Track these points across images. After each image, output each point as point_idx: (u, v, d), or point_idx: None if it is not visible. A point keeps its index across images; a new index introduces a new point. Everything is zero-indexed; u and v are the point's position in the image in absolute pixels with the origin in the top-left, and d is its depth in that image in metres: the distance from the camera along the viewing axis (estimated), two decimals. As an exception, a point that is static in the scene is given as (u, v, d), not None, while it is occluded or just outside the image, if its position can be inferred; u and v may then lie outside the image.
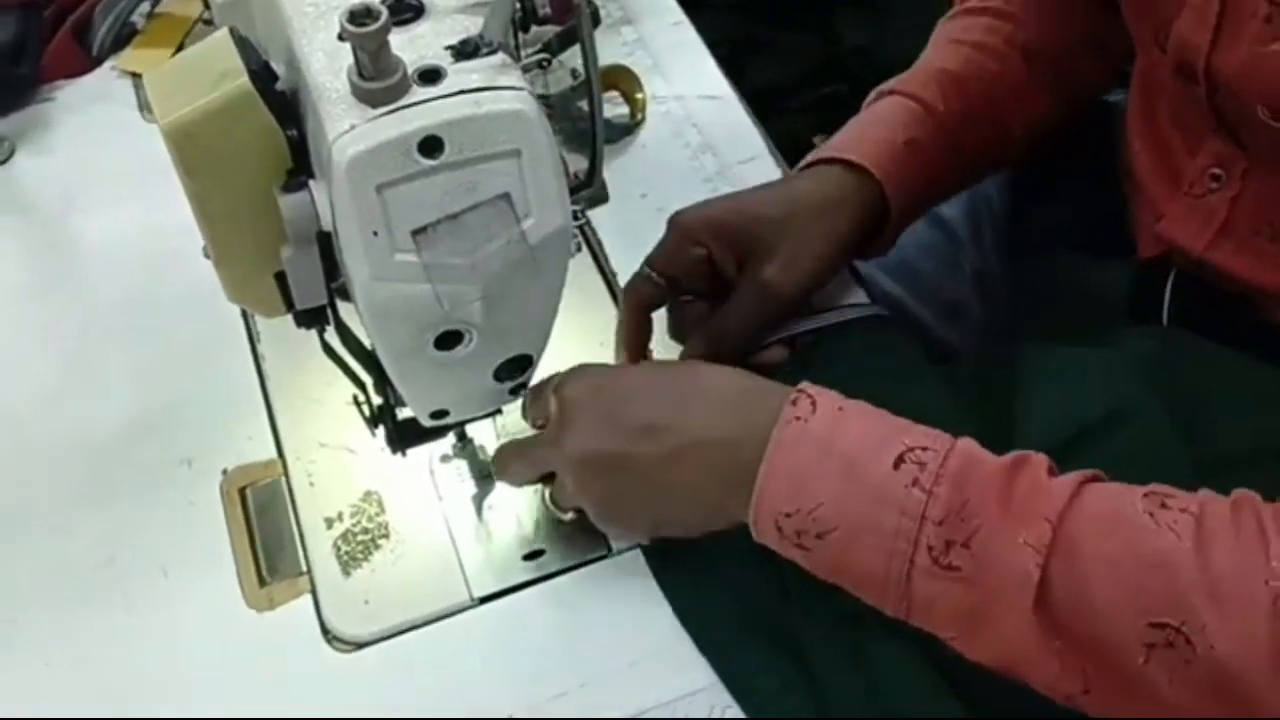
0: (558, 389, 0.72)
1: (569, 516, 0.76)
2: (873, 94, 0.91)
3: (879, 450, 0.63)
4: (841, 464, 0.64)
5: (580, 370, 0.73)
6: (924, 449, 0.63)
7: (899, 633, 0.66)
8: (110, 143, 1.04)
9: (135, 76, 1.08)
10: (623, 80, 1.03)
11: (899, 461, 0.63)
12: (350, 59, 0.57)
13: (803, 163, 0.87)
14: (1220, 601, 0.57)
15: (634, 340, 0.82)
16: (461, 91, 0.56)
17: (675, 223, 0.82)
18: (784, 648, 0.70)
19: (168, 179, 0.92)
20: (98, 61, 1.09)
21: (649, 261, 0.82)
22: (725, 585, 0.72)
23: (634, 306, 0.82)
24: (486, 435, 0.79)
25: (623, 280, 0.89)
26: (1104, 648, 0.59)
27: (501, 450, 0.77)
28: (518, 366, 0.69)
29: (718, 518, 0.69)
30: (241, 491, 0.80)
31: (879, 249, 0.87)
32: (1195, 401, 0.73)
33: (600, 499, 0.71)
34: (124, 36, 1.10)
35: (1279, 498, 0.67)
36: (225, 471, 0.81)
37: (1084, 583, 0.59)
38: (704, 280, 0.82)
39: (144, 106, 1.07)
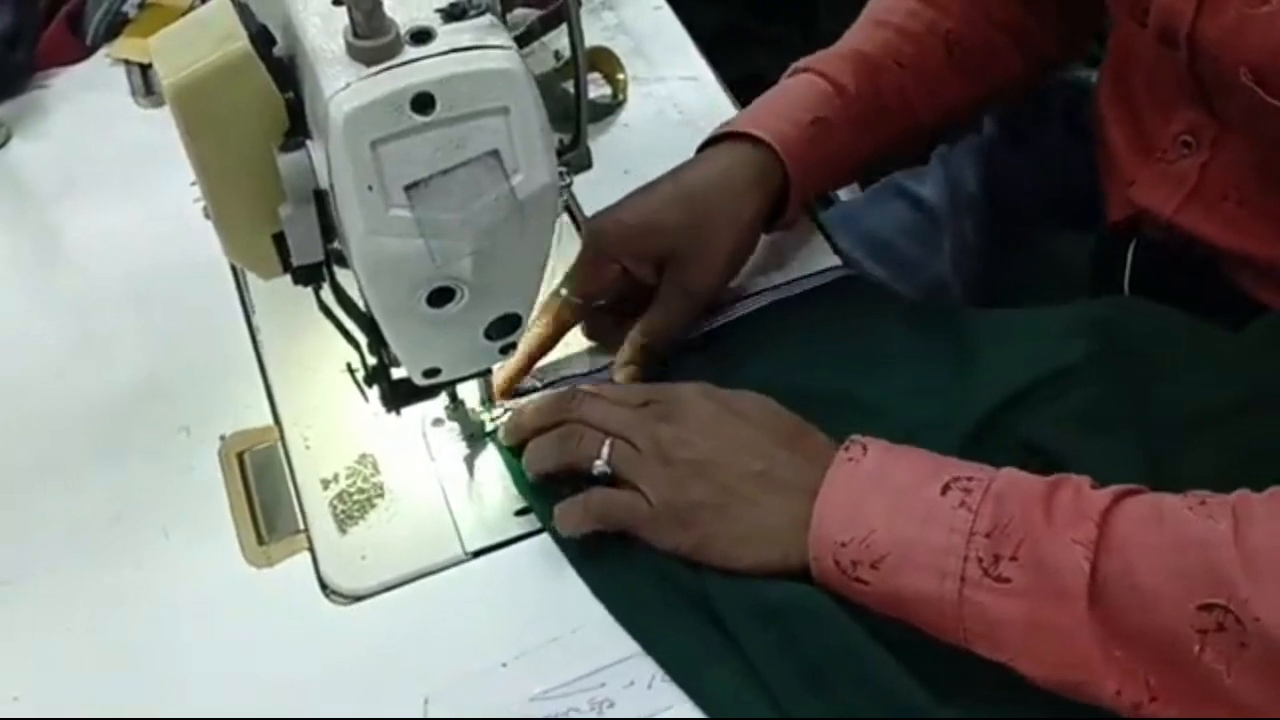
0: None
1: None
2: (790, 69, 0.93)
3: (928, 480, 0.67)
4: (892, 493, 0.67)
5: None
6: (970, 478, 0.66)
7: (810, 589, 0.69)
8: (104, 128, 1.06)
9: (128, 64, 1.11)
10: (605, 62, 1.06)
11: (946, 488, 0.66)
12: (344, 23, 0.59)
13: (711, 134, 0.89)
14: (1258, 575, 0.59)
15: (539, 353, 0.84)
16: (452, 50, 0.59)
17: (589, 244, 0.84)
18: (702, 613, 0.71)
19: (160, 162, 0.96)
20: (91, 50, 1.12)
21: (566, 285, 0.83)
22: (639, 564, 0.73)
23: (553, 327, 0.83)
24: (477, 397, 0.81)
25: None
26: (1159, 641, 0.61)
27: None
28: (507, 325, 0.71)
29: (774, 554, 0.70)
30: (239, 456, 0.82)
31: (783, 225, 0.89)
32: (1146, 363, 0.76)
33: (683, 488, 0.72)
34: (116, 25, 1.13)
35: (1230, 458, 0.70)
36: (223, 437, 0.83)
37: (1132, 574, 0.61)
38: (620, 290, 0.85)
39: (136, 92, 1.09)
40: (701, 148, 0.89)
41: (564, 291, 0.83)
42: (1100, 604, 0.61)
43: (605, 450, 0.74)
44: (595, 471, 0.74)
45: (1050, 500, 0.64)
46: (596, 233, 0.84)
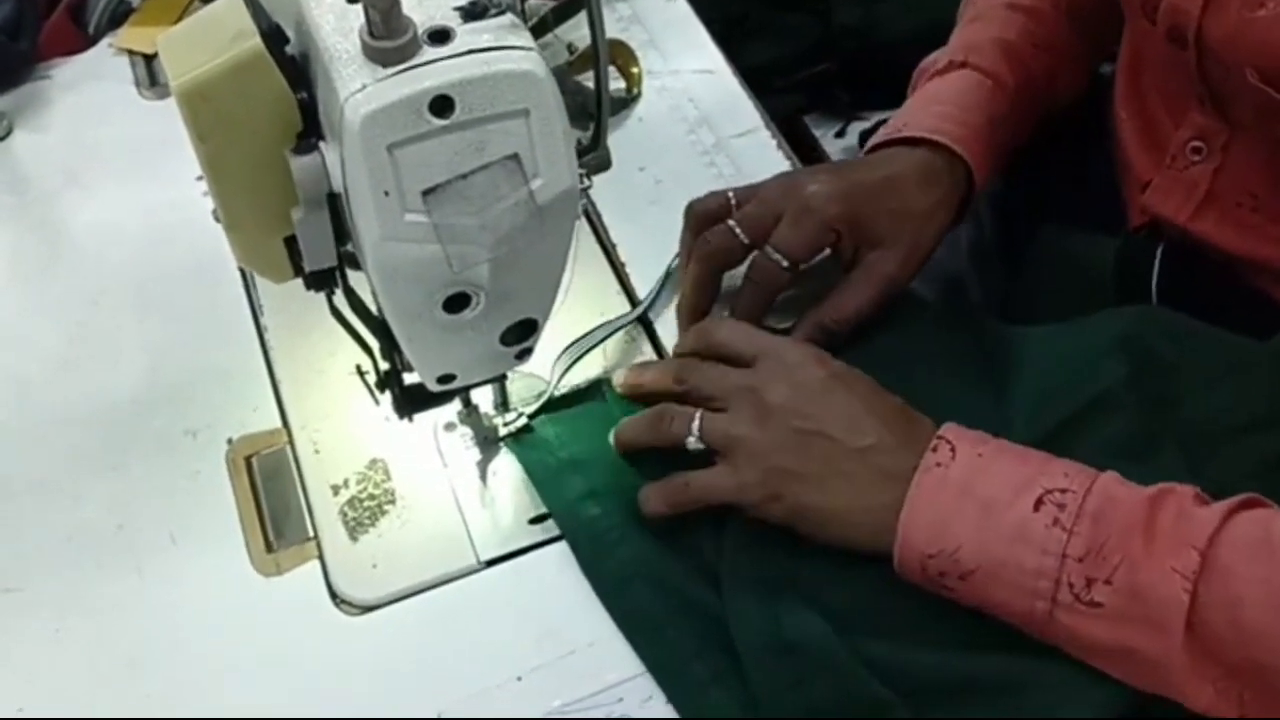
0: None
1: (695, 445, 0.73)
2: (939, 61, 0.91)
3: (1019, 494, 0.65)
4: (981, 507, 0.65)
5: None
6: (1063, 490, 0.64)
7: (825, 624, 0.67)
8: (108, 119, 1.04)
9: (132, 54, 1.08)
10: (619, 54, 1.03)
11: (1038, 503, 0.64)
12: (359, 21, 0.57)
13: (885, 136, 0.86)
14: None
15: (757, 315, 0.81)
16: (471, 51, 0.57)
17: (810, 208, 0.80)
18: (713, 636, 0.69)
19: (165, 155, 0.94)
20: (94, 39, 1.10)
21: (779, 248, 0.79)
22: (654, 578, 0.72)
23: (764, 292, 0.80)
24: (491, 401, 0.79)
25: (623, 253, 0.91)
26: (1260, 673, 0.60)
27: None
28: (524, 330, 0.70)
29: (862, 536, 0.69)
30: (247, 460, 0.80)
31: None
32: (1178, 381, 0.74)
33: (780, 449, 0.70)
34: (120, 14, 1.10)
35: (1265, 470, 0.69)
36: (230, 441, 0.81)
37: (1237, 606, 0.60)
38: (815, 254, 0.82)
39: (140, 83, 1.07)
40: (873, 148, 0.87)
41: (776, 256, 0.80)
42: (1198, 633, 0.60)
43: (695, 425, 0.72)
44: (690, 449, 0.73)
45: (1151, 521, 0.62)
46: (821, 204, 0.80)
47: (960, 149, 0.83)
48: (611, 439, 0.77)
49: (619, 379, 0.80)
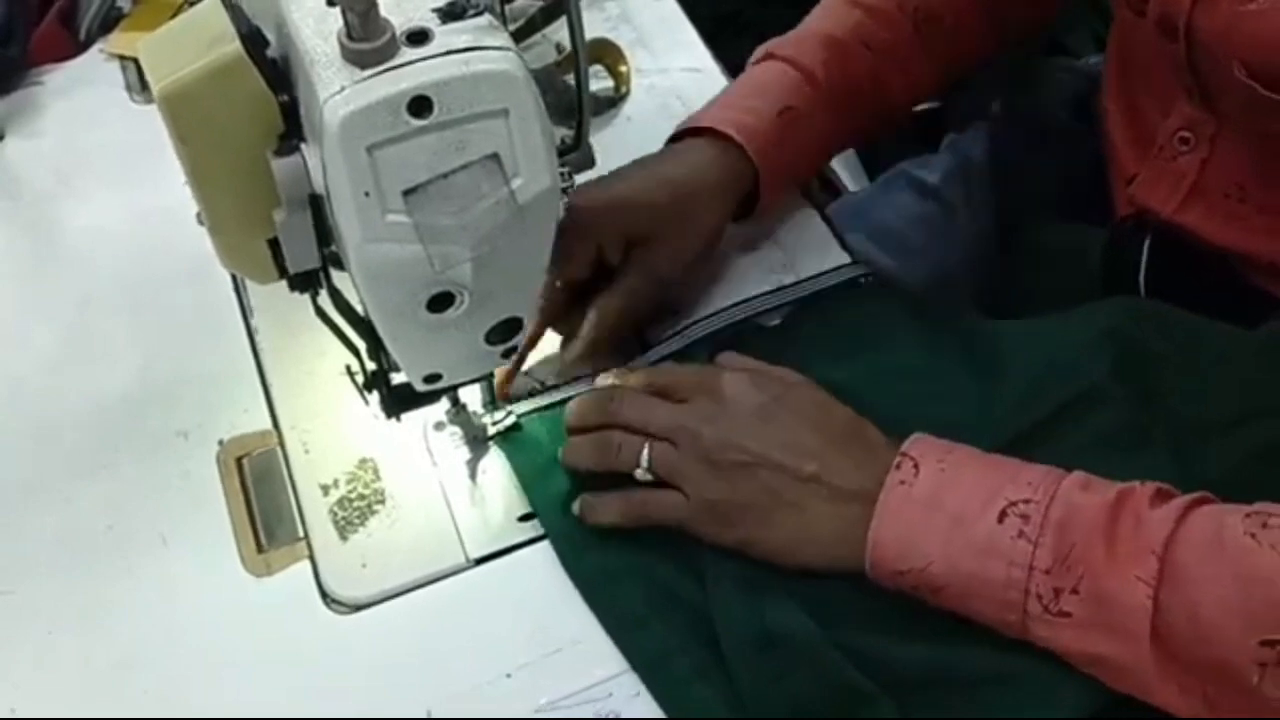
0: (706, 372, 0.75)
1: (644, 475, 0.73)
2: (757, 51, 0.91)
3: (984, 507, 0.65)
4: (948, 521, 0.66)
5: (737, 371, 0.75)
6: (1026, 501, 0.64)
7: (807, 617, 0.68)
8: (99, 124, 1.05)
9: (123, 59, 1.09)
10: (607, 54, 1.04)
11: (1003, 515, 0.64)
12: (339, 23, 0.58)
13: (680, 127, 0.87)
14: None
15: (529, 347, 0.82)
16: (449, 52, 0.57)
17: (570, 225, 0.79)
18: (697, 631, 0.70)
19: (157, 160, 0.93)
20: (85, 45, 1.10)
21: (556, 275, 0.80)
22: (638, 574, 0.72)
23: (548, 318, 0.82)
24: (479, 400, 0.80)
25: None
26: (1219, 670, 0.60)
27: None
28: (509, 329, 0.70)
29: (821, 561, 0.70)
30: (238, 461, 0.81)
31: (758, 213, 0.87)
32: (1165, 373, 0.74)
33: (722, 491, 0.70)
34: (111, 20, 1.11)
35: (1253, 459, 0.69)
36: (221, 442, 0.82)
37: (1194, 607, 0.60)
38: (592, 268, 0.82)
39: (131, 88, 1.07)
40: (670, 140, 0.88)
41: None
42: (1162, 636, 0.61)
43: (644, 457, 0.72)
44: (638, 478, 0.73)
45: (1111, 530, 0.63)
46: (570, 209, 0.80)
47: (741, 138, 0.83)
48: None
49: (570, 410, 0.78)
